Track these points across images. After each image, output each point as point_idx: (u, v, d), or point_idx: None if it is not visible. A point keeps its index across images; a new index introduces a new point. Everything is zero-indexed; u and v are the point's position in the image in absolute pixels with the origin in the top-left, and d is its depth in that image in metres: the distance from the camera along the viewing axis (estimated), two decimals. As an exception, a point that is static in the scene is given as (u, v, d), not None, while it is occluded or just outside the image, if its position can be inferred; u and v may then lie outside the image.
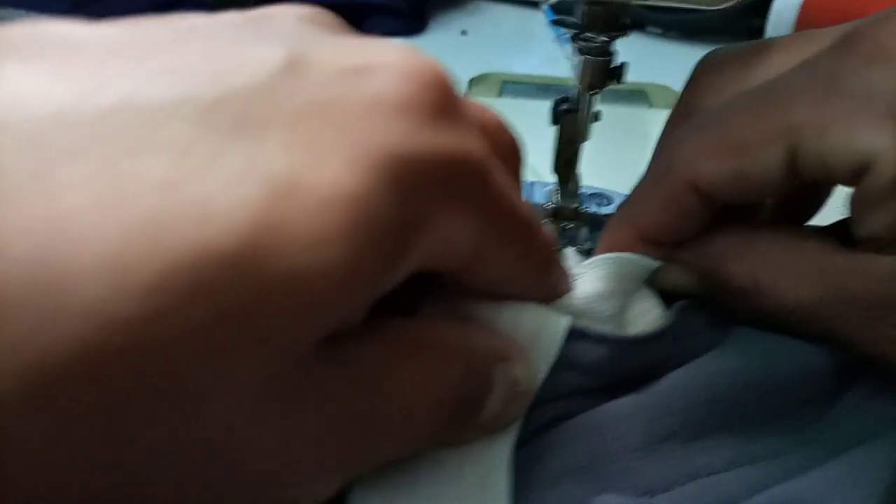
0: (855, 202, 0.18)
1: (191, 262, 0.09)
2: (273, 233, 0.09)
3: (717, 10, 0.63)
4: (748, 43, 0.22)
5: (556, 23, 0.24)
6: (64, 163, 0.09)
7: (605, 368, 0.18)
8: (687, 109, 0.22)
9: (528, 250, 0.15)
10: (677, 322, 0.20)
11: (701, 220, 0.20)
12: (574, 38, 0.23)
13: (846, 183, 0.17)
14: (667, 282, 0.21)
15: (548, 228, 0.17)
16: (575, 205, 0.30)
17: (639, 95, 0.52)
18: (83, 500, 0.09)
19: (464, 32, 0.66)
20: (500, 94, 0.53)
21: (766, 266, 0.19)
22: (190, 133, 0.10)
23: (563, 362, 0.17)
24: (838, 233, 0.19)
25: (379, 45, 0.12)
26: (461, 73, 0.57)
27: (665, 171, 0.20)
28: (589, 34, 0.23)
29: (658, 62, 0.63)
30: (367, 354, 0.12)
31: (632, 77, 0.56)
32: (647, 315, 0.20)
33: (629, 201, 0.22)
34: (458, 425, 0.14)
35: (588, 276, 0.20)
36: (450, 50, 0.63)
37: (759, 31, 0.59)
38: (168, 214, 0.09)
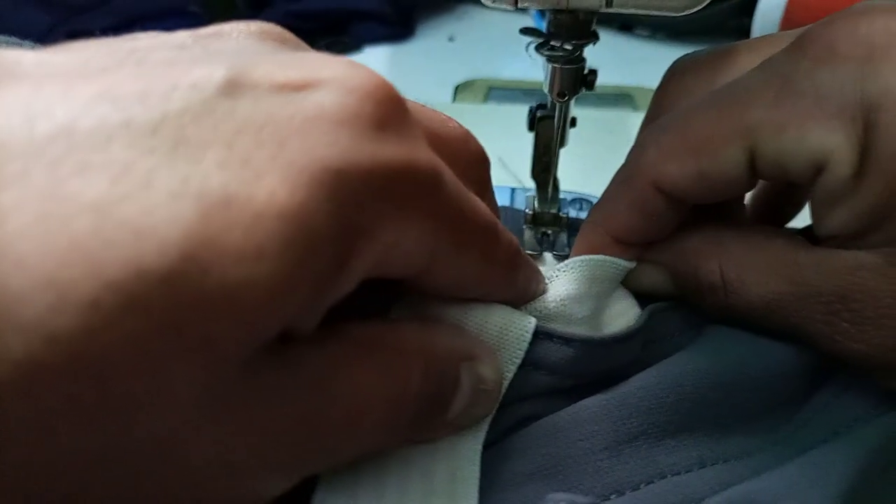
0: (813, 201, 0.18)
1: (125, 278, 0.09)
2: (206, 248, 0.10)
3: (703, 11, 0.63)
4: (717, 47, 0.22)
5: (523, 31, 0.24)
6: (7, 187, 0.09)
7: (571, 368, 0.18)
8: (657, 114, 0.22)
9: (489, 254, 0.16)
10: (648, 325, 0.20)
11: (669, 220, 0.20)
12: (540, 47, 0.23)
13: (804, 182, 0.18)
14: (641, 282, 0.22)
15: (509, 233, 0.17)
16: (554, 210, 0.30)
17: (624, 99, 0.52)
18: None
19: (451, 38, 0.66)
20: (486, 99, 0.53)
21: (733, 263, 0.19)
22: (127, 155, 0.10)
23: (530, 362, 0.17)
24: (809, 234, 0.19)
25: (323, 61, 0.13)
26: (448, 79, 0.57)
27: (630, 174, 0.20)
28: (555, 42, 0.23)
29: (646, 64, 0.63)
30: (317, 357, 0.13)
31: (620, 80, 0.57)
32: (623, 316, 0.21)
33: (599, 204, 0.22)
34: (425, 423, 0.15)
35: (561, 279, 0.20)
36: (437, 56, 0.63)
37: (746, 31, 0.59)
38: (104, 234, 0.09)
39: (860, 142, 0.16)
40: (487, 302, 0.17)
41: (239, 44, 0.14)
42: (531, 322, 0.17)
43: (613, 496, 0.16)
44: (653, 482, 0.17)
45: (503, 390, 0.17)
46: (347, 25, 0.66)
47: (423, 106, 0.16)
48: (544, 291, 0.19)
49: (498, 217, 0.19)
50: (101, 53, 0.12)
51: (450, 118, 0.17)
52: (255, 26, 0.14)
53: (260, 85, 0.12)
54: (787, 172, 0.17)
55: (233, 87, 0.11)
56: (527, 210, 0.30)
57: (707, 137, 0.18)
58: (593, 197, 0.38)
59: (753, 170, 0.18)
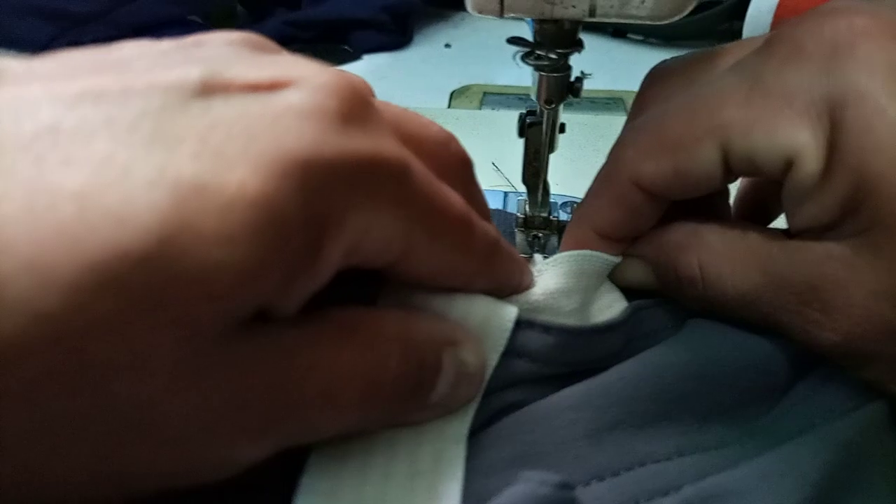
0: (785, 197, 0.18)
1: (105, 260, 0.10)
2: (181, 232, 0.11)
3: (695, 15, 0.64)
4: (696, 51, 0.23)
5: (510, 41, 0.25)
6: None
7: (552, 356, 0.19)
8: (638, 115, 0.23)
9: (464, 244, 0.16)
10: (632, 320, 0.21)
11: (650, 215, 0.21)
12: (526, 56, 0.24)
13: (776, 178, 0.18)
14: (626, 276, 0.22)
15: (489, 226, 0.18)
16: (545, 214, 0.31)
17: (616, 103, 0.53)
18: (15, 467, 0.11)
19: (448, 45, 0.67)
20: (481, 105, 0.54)
21: (710, 256, 0.20)
22: (108, 149, 0.11)
23: (512, 350, 0.18)
24: (788, 230, 0.20)
25: (294, 63, 0.14)
26: (445, 85, 0.58)
27: (611, 172, 0.21)
28: (541, 51, 0.24)
29: (639, 69, 0.63)
30: (295, 335, 0.13)
31: (613, 84, 0.58)
32: (609, 309, 0.21)
33: (584, 202, 0.23)
34: (407, 405, 0.15)
35: (549, 273, 0.20)
36: (434, 62, 0.64)
37: (738, 34, 0.60)
38: (86, 219, 0.10)
39: (826, 138, 0.17)
40: (470, 293, 0.18)
41: (218, 50, 0.14)
42: (513, 311, 0.18)
43: (594, 482, 0.17)
44: (632, 469, 0.17)
45: (487, 376, 0.17)
46: (346, 34, 0.67)
47: (406, 111, 0.17)
48: (531, 284, 0.20)
49: (489, 215, 0.20)
50: (85, 60, 0.13)
51: (432, 122, 0.18)
52: (235, 35, 0.15)
53: (233, 85, 0.12)
54: (759, 169, 0.18)
55: (207, 87, 0.12)
56: (518, 214, 0.31)
57: (682, 136, 0.19)
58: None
59: (727, 166, 0.19)
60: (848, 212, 0.17)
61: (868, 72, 0.16)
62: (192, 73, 0.12)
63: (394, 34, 0.67)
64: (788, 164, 0.17)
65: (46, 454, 0.11)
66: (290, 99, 0.13)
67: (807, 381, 0.19)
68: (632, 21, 0.24)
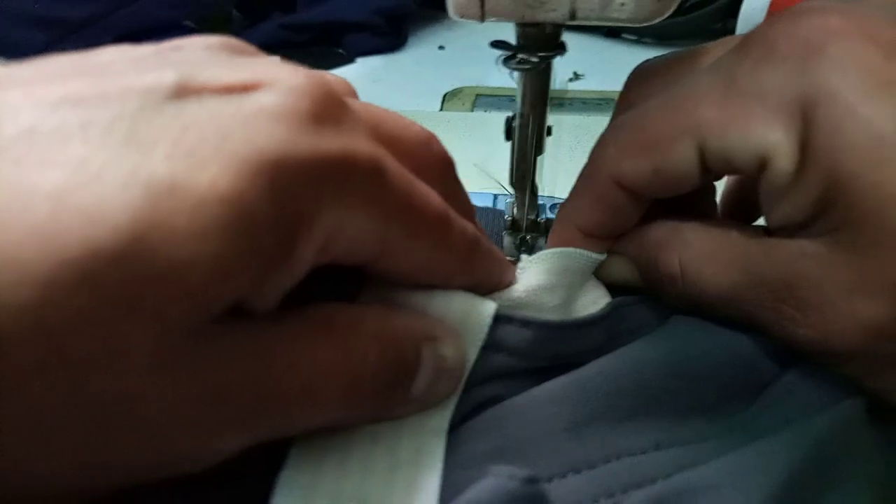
0: (762, 194, 0.19)
1: (79, 257, 0.10)
2: (153, 230, 0.11)
3: (688, 14, 0.64)
4: (678, 51, 0.23)
5: (493, 45, 0.25)
6: None
7: (532, 350, 0.19)
8: (620, 114, 0.23)
9: (442, 241, 0.17)
10: (613, 317, 0.21)
11: (631, 213, 0.21)
12: (508, 60, 0.24)
13: (752, 176, 0.18)
14: (611, 273, 0.23)
15: (468, 224, 0.18)
16: (532, 216, 0.31)
17: (608, 104, 0.53)
18: (1, 457, 0.11)
19: (441, 48, 0.67)
20: (473, 107, 0.54)
21: (690, 254, 0.20)
22: (84, 152, 0.11)
23: (490, 344, 0.18)
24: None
25: (268, 65, 0.14)
26: (439, 87, 0.58)
27: (592, 171, 0.22)
28: (523, 55, 0.24)
29: (633, 68, 0.63)
30: (273, 331, 0.14)
31: (606, 85, 0.58)
32: (594, 305, 0.21)
33: (567, 200, 0.23)
34: (387, 400, 0.16)
35: (532, 270, 0.21)
36: (428, 64, 0.64)
37: (732, 33, 0.60)
38: (60, 219, 0.11)
39: (799, 137, 0.17)
40: (449, 289, 0.18)
41: (195, 54, 0.15)
42: (492, 306, 0.18)
43: (570, 474, 0.17)
44: (609, 462, 0.17)
45: (467, 370, 0.18)
46: (341, 37, 0.67)
47: (388, 112, 0.17)
48: (513, 281, 0.20)
49: (472, 214, 0.20)
50: (64, 65, 0.13)
51: (413, 123, 0.18)
52: (213, 39, 0.16)
53: (206, 88, 0.13)
54: (734, 168, 0.18)
55: (182, 90, 0.13)
56: (506, 216, 0.31)
57: (659, 135, 0.19)
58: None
59: (704, 165, 0.19)
60: (821, 210, 0.17)
61: (840, 71, 0.16)
62: (167, 76, 0.13)
63: (388, 37, 0.67)
64: (763, 163, 0.18)
65: (32, 446, 0.11)
66: (261, 100, 0.13)
67: (787, 377, 0.19)
68: (613, 24, 0.24)
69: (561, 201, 0.38)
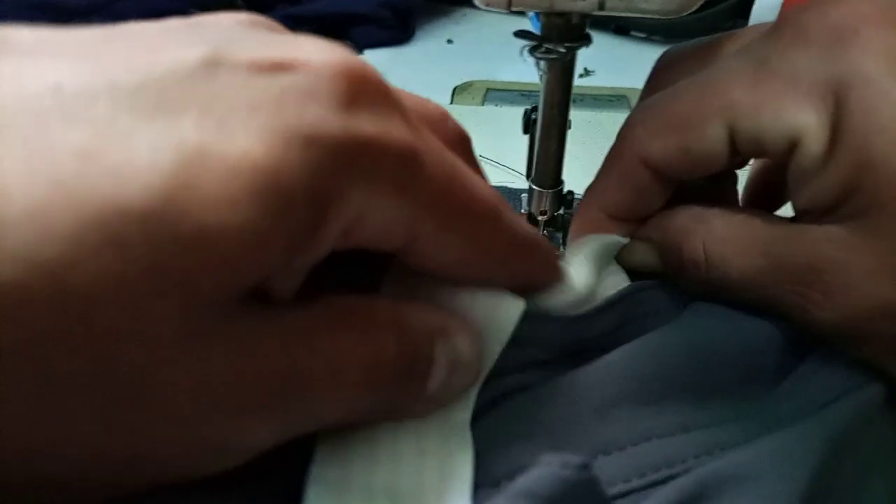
0: (789, 177, 0.19)
1: (105, 216, 0.10)
2: (183, 194, 0.10)
3: (699, 13, 0.63)
4: (704, 38, 0.23)
5: (517, 34, 0.25)
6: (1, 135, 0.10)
7: (553, 342, 0.19)
8: (646, 98, 0.23)
9: (480, 240, 0.16)
10: (630, 299, 0.21)
11: (657, 195, 0.22)
12: (533, 50, 0.24)
13: (781, 159, 0.19)
14: (633, 258, 0.23)
15: (520, 222, 0.17)
16: (554, 210, 0.30)
17: (620, 100, 0.53)
18: (11, 431, 0.10)
19: (450, 41, 0.67)
20: (484, 101, 0.53)
21: (714, 240, 0.20)
22: (111, 113, 0.11)
23: (518, 340, 0.18)
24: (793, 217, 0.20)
25: (303, 42, 0.13)
26: (447, 81, 0.57)
27: (619, 151, 0.22)
28: (548, 45, 0.24)
29: (642, 66, 0.63)
30: (295, 317, 0.13)
31: (615, 82, 0.58)
32: (615, 290, 0.21)
33: (593, 183, 0.23)
34: (406, 391, 0.15)
35: (581, 268, 0.21)
36: (436, 58, 0.63)
37: (742, 32, 0.60)
38: (87, 175, 0.10)
39: (831, 120, 0.17)
40: (485, 286, 0.17)
41: (226, 30, 0.14)
42: (520, 307, 0.18)
43: (600, 456, 0.17)
44: (638, 444, 0.17)
45: (487, 366, 0.17)
46: (347, 30, 0.66)
47: (399, 89, 0.17)
48: (560, 283, 0.20)
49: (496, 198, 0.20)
50: (94, 34, 0.13)
51: (427, 100, 0.18)
52: (244, 16, 0.15)
53: (239, 63, 0.12)
54: (765, 149, 0.18)
55: (213, 63, 0.12)
56: (522, 210, 0.30)
57: (689, 115, 0.19)
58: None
59: (733, 146, 0.19)
60: (847, 194, 0.17)
61: (872, 55, 0.17)
62: (197, 49, 0.12)
63: (395, 30, 0.67)
64: (793, 145, 0.18)
65: (47, 420, 0.11)
66: (295, 79, 0.12)
67: (807, 362, 0.19)
68: (641, 15, 0.23)
69: (578, 196, 0.38)
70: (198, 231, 0.10)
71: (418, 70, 0.61)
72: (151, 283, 0.10)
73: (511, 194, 0.35)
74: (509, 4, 0.23)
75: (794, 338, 0.19)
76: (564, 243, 0.30)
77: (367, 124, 0.13)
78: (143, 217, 0.10)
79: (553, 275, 0.20)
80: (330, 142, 0.12)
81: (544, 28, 0.24)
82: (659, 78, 0.23)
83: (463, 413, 0.17)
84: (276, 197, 0.11)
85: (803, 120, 0.17)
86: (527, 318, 0.18)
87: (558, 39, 0.24)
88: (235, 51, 0.12)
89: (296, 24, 0.65)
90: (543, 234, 0.30)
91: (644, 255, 0.22)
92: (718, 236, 0.20)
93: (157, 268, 0.10)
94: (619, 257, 0.23)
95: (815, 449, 0.17)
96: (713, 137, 0.19)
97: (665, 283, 0.22)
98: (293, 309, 0.13)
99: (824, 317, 0.18)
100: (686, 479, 0.16)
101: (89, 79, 0.11)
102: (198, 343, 0.11)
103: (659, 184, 0.21)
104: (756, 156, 0.19)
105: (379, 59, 0.63)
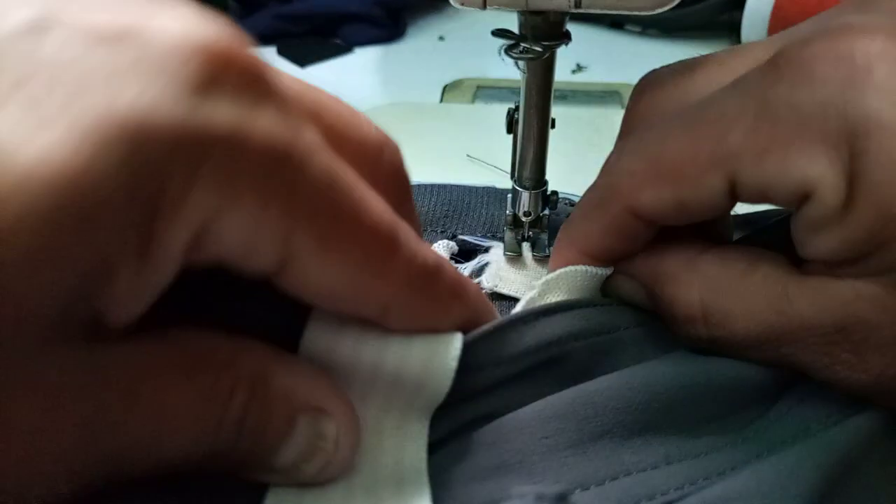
0: (798, 226, 0.17)
1: None
2: None
3: (694, 6, 0.63)
4: (683, 61, 0.22)
5: (495, 33, 0.24)
6: None
7: (509, 355, 0.18)
8: (629, 131, 0.22)
9: (377, 264, 0.14)
10: (596, 312, 0.20)
11: (644, 239, 0.20)
12: (510, 49, 0.23)
13: (789, 206, 0.17)
14: (620, 293, 0.21)
15: (427, 250, 0.16)
16: (538, 211, 0.30)
17: (612, 96, 0.52)
18: None
19: (441, 38, 0.66)
20: (474, 99, 0.53)
21: (713, 293, 0.18)
22: None
23: (472, 366, 0.17)
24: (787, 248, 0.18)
25: (162, 9, 0.11)
26: (439, 78, 0.57)
27: (604, 198, 0.20)
28: (526, 44, 0.23)
29: (637, 61, 0.62)
30: (126, 359, 0.12)
31: (610, 77, 0.57)
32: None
33: (573, 223, 0.21)
34: (247, 460, 0.14)
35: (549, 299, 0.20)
36: (427, 55, 0.63)
37: (737, 25, 0.59)
38: None
39: (846, 169, 0.15)
40: (411, 333, 0.16)
41: None
42: (456, 347, 0.17)
43: (577, 490, 0.16)
44: (617, 478, 0.17)
45: (433, 406, 0.16)
46: (338, 27, 0.66)
47: (339, 101, 0.15)
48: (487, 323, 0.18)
49: (419, 235, 0.17)
50: None
51: (369, 122, 0.16)
52: None
53: (73, 29, 0.11)
54: (771, 199, 0.17)
55: (41, 28, 0.10)
56: (507, 212, 0.30)
57: (684, 165, 0.18)
58: (577, 197, 0.38)
59: (733, 195, 0.18)
60: (874, 247, 0.15)
61: (889, 100, 0.15)
62: (29, 8, 0.11)
63: (386, 27, 0.66)
64: (804, 196, 0.16)
65: None
66: (134, 53, 0.11)
67: (801, 385, 0.19)
68: (619, 12, 0.23)
69: (563, 196, 0.37)
70: None
71: (410, 67, 0.60)
72: None
73: (498, 194, 0.34)
74: (484, 3, 0.22)
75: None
76: (551, 244, 0.29)
77: (224, 113, 0.11)
78: None
79: (481, 316, 0.18)
80: (166, 132, 0.10)
81: (522, 27, 0.24)
82: (640, 106, 0.22)
83: (417, 456, 0.16)
84: (76, 210, 0.09)
85: (815, 170, 0.16)
86: (472, 339, 0.17)
87: (536, 38, 0.23)
88: (74, 13, 0.11)
89: (286, 22, 0.65)
90: (528, 236, 0.30)
91: (631, 291, 0.21)
92: (718, 289, 0.18)
93: None
94: (605, 289, 0.22)
95: (810, 473, 0.16)
96: (711, 188, 0.17)
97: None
98: (128, 347, 0.12)
99: (856, 377, 0.17)
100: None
101: None
102: (9, 382, 0.10)
103: (647, 228, 0.20)
104: (759, 203, 0.18)
105: (370, 57, 0.63)
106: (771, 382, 0.19)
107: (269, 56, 0.63)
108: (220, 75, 0.11)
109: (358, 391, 0.16)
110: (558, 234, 0.22)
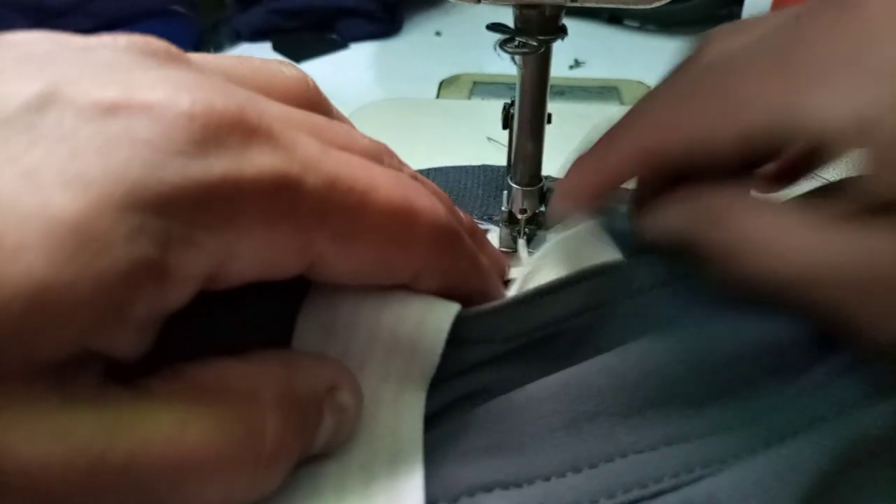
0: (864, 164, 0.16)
1: None
2: None
3: (696, 1, 0.62)
4: (748, 18, 0.21)
5: (490, 27, 0.24)
6: None
7: (506, 332, 0.18)
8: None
9: (391, 236, 0.15)
10: (597, 279, 0.19)
11: (660, 184, 0.20)
12: (504, 43, 0.23)
13: (840, 151, 0.16)
14: (654, 225, 0.21)
15: (441, 215, 0.16)
16: (535, 208, 0.29)
17: (610, 92, 0.51)
18: None
19: (438, 33, 0.66)
20: (471, 95, 0.52)
21: (758, 228, 0.18)
22: None
23: (464, 339, 0.17)
24: (820, 202, 0.17)
25: (153, 81, 0.13)
26: (435, 74, 0.56)
27: (623, 136, 0.20)
28: (521, 38, 0.23)
29: (635, 56, 0.62)
30: (136, 396, 0.12)
31: (608, 72, 0.56)
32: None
33: (588, 157, 0.22)
34: (290, 461, 0.14)
35: (547, 270, 0.20)
36: (424, 51, 0.62)
37: (737, 19, 0.59)
38: None
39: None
40: (410, 293, 0.16)
41: (100, 57, 0.13)
42: (452, 310, 0.17)
43: (570, 473, 0.16)
44: (612, 460, 0.16)
45: (428, 377, 0.17)
46: (334, 22, 0.65)
47: (331, 122, 0.16)
48: (505, 277, 0.19)
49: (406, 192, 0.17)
50: None
51: (363, 136, 0.17)
52: (135, 39, 0.14)
53: (76, 102, 0.12)
54: (818, 140, 0.16)
55: (46, 101, 0.11)
56: (502, 208, 0.29)
57: (703, 111, 0.18)
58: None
59: (750, 146, 0.17)
60: None
61: None
62: (36, 82, 0.12)
63: (382, 22, 0.66)
64: (859, 133, 0.15)
65: None
66: (130, 123, 0.12)
67: (820, 368, 0.18)
68: (617, 6, 0.22)
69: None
70: None
71: (406, 63, 0.60)
72: None
73: (493, 172, 0.34)
74: (478, -3, 0.22)
75: (804, 339, 0.18)
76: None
77: (219, 164, 0.12)
78: None
79: (497, 275, 0.19)
80: (161, 194, 0.11)
81: (517, 20, 0.23)
82: (704, 50, 0.21)
83: (413, 427, 0.16)
84: (78, 243, 0.10)
85: (872, 108, 0.15)
86: (470, 315, 0.17)
87: (531, 32, 0.23)
88: (78, 87, 0.12)
89: (282, 17, 0.64)
90: (525, 233, 0.29)
91: (672, 218, 0.20)
92: (764, 224, 0.17)
93: None
94: (642, 225, 0.21)
95: (810, 468, 0.15)
96: (731, 138, 0.17)
97: (649, 258, 0.20)
98: (131, 386, 0.12)
99: (889, 328, 0.16)
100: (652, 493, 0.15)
101: None
102: (14, 420, 0.10)
103: (662, 174, 0.19)
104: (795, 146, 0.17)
105: (366, 53, 0.62)
106: (786, 361, 0.18)
107: (265, 52, 0.62)
108: (209, 131, 0.12)
109: (357, 358, 0.16)
110: (573, 162, 0.22)
